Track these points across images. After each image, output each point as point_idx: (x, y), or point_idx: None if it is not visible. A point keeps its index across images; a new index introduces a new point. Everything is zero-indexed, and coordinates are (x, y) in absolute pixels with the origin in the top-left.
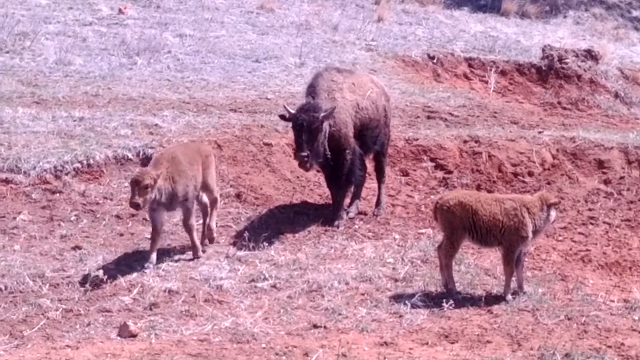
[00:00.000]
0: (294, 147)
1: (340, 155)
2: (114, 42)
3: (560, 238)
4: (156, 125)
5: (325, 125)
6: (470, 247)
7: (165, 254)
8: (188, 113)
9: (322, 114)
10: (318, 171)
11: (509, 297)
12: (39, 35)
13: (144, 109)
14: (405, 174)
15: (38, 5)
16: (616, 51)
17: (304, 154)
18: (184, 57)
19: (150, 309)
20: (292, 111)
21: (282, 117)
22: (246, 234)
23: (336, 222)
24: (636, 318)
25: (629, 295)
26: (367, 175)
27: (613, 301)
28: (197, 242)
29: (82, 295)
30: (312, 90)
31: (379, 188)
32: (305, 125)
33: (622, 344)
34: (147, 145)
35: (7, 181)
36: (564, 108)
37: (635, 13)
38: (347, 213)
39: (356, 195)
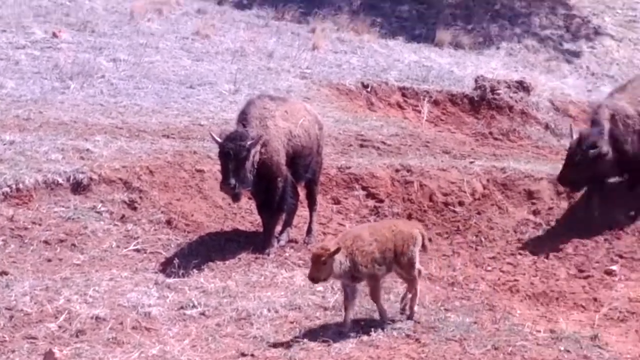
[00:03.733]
0: (222, 174)
1: (272, 182)
2: (47, 66)
3: (489, 268)
4: (88, 150)
5: (254, 153)
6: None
7: (93, 280)
8: (120, 138)
9: (249, 143)
10: (250, 198)
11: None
12: None
13: (76, 133)
14: (336, 202)
15: None
16: (547, 83)
17: (231, 182)
18: (118, 81)
19: (77, 336)
20: (219, 140)
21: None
22: (176, 261)
23: (267, 250)
24: (562, 348)
25: (555, 326)
26: (298, 203)
27: (539, 331)
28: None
29: (8, 321)
30: (243, 117)
31: (311, 216)
32: (231, 154)
33: None
34: (77, 170)
35: None
36: (495, 138)
37: (567, 45)
38: (278, 241)
39: (287, 223)
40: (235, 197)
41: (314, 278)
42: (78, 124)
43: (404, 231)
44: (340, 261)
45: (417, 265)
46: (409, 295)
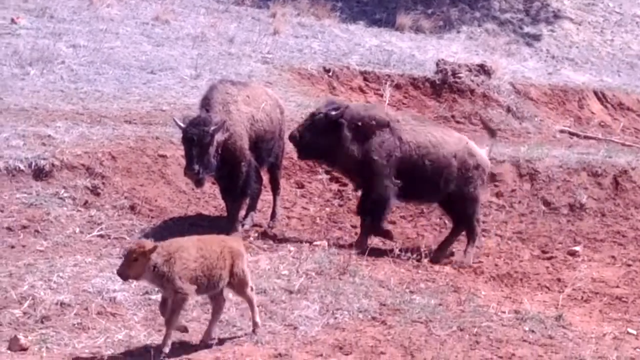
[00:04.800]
0: (186, 161)
1: (236, 167)
2: (6, 52)
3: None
4: (49, 136)
5: (217, 138)
6: (364, 258)
7: (57, 266)
8: (82, 124)
9: (212, 128)
10: (213, 183)
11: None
12: None
13: (37, 119)
14: (300, 186)
15: None
16: (508, 66)
17: (195, 168)
18: (78, 67)
19: (42, 322)
20: (183, 125)
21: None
22: None
23: (231, 234)
24: (527, 329)
25: (520, 307)
26: (262, 187)
27: (504, 312)
28: None
29: None
30: (206, 102)
31: (274, 200)
32: (195, 139)
33: (513, 354)
34: (39, 156)
35: None
36: (458, 122)
37: (527, 29)
38: (242, 225)
39: (251, 207)
40: (199, 183)
41: (121, 274)
42: (39, 110)
43: (233, 248)
44: (156, 264)
45: (250, 283)
46: (251, 308)
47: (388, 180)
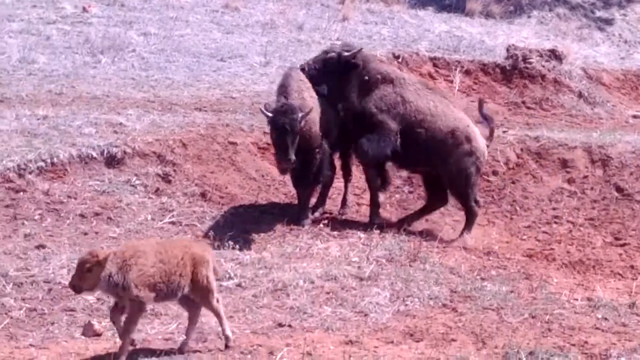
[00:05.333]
0: (275, 151)
1: (310, 154)
2: (78, 41)
3: (525, 237)
4: (120, 124)
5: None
6: (435, 245)
7: None
8: (153, 112)
9: (300, 115)
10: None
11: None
12: (2, 34)
13: (108, 107)
14: None
15: (1, 3)
16: (580, 51)
17: (291, 158)
18: (149, 55)
19: None
20: (270, 114)
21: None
22: (211, 233)
23: (302, 221)
24: (599, 316)
25: (592, 294)
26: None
27: (577, 299)
28: None
29: (46, 294)
30: (284, 90)
31: (345, 187)
32: (288, 128)
33: (586, 342)
34: (111, 144)
35: None
36: (528, 107)
37: (598, 13)
38: (313, 213)
39: (323, 195)
40: (286, 171)
41: (74, 286)
42: (110, 98)
43: (196, 253)
44: (111, 272)
45: (216, 293)
46: (219, 321)
47: (386, 133)
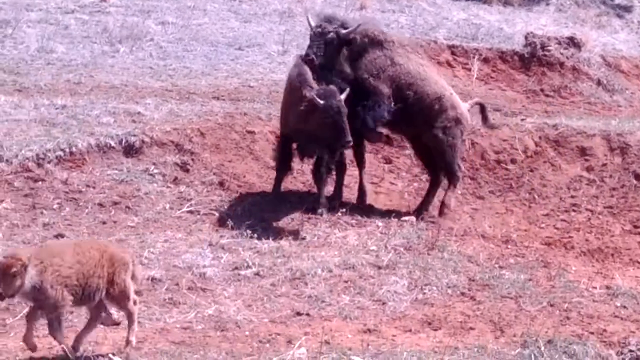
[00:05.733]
0: (339, 134)
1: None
2: (96, 30)
3: (543, 225)
4: (139, 113)
5: None
6: (453, 234)
7: (148, 241)
8: (171, 101)
9: (342, 97)
10: (301, 159)
11: None
12: (20, 23)
13: (127, 96)
14: (388, 161)
15: None
16: (599, 38)
17: (350, 139)
18: (167, 44)
19: None
20: (321, 100)
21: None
22: (229, 222)
23: (319, 210)
24: (618, 304)
25: (611, 282)
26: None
27: (595, 288)
28: None
29: None
30: (303, 78)
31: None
32: (343, 111)
33: (605, 330)
34: (129, 133)
35: None
36: (547, 95)
37: (617, 0)
38: (331, 202)
39: (338, 183)
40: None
41: (1, 295)
42: (128, 87)
43: (115, 255)
44: (31, 275)
45: (133, 296)
46: (129, 324)
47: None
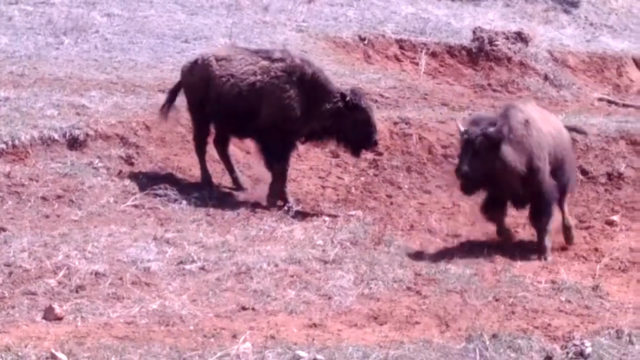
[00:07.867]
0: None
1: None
2: (41, 22)
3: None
4: (83, 105)
5: None
6: (400, 228)
7: (91, 235)
8: (116, 94)
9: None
10: (248, 152)
11: None
12: None
13: (71, 89)
14: (335, 155)
15: None
16: (546, 34)
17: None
18: (112, 37)
19: (77, 292)
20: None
21: None
22: (174, 216)
23: (267, 203)
24: (563, 299)
25: (556, 277)
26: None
27: (541, 282)
28: None
29: (7, 277)
30: None
31: None
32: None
33: (549, 324)
34: (73, 126)
35: None
36: (494, 90)
37: None
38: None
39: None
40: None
41: None
42: (73, 79)
43: None
44: None
45: None
46: None
47: None
